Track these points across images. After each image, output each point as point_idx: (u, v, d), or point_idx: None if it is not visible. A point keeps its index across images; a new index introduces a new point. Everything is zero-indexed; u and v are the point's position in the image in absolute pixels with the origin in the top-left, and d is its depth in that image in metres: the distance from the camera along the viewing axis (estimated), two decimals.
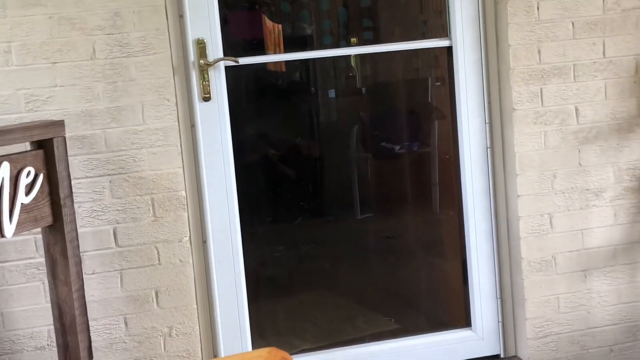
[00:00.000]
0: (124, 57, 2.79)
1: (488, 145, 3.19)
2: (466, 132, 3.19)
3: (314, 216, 3.89)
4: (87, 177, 2.80)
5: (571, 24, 3.08)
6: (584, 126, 3.13)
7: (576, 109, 3.12)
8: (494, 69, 3.14)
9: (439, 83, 3.52)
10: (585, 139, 3.14)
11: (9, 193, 2.28)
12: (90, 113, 2.79)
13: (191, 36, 2.92)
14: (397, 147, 4.12)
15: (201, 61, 2.91)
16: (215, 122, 2.97)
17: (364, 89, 4.50)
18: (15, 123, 2.65)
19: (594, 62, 3.11)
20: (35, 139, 2.40)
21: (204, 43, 2.91)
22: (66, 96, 2.77)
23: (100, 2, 2.75)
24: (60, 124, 2.46)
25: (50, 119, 2.67)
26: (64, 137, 2.47)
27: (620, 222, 3.19)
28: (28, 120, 2.69)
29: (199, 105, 2.95)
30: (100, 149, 2.81)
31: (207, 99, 2.94)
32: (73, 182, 2.62)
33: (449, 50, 3.19)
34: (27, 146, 2.43)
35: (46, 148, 2.42)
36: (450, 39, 3.16)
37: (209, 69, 2.92)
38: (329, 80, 4.43)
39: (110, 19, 2.77)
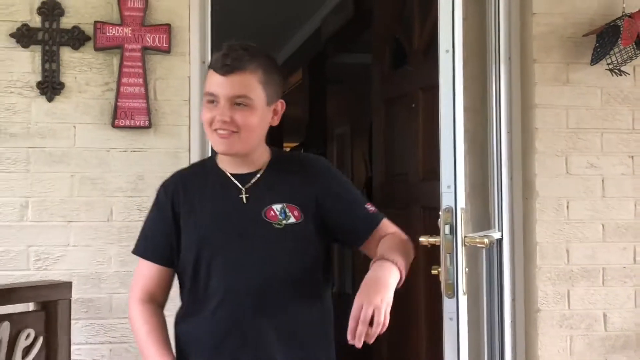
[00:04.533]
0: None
1: (511, 345, 2.99)
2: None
3: None
4: (88, 343, 2.69)
5: (601, 226, 3.02)
6: (611, 333, 3.02)
7: (604, 315, 3.02)
8: (520, 265, 3.04)
9: None
10: (612, 348, 3.02)
11: (4, 355, 2.28)
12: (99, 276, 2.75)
13: None
14: None
15: None
16: None
17: None
18: (21, 281, 2.62)
19: (624, 267, 3.03)
20: (40, 300, 2.41)
21: None
22: (78, 256, 2.73)
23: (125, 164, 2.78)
24: (67, 286, 2.46)
25: (58, 279, 2.63)
26: (70, 300, 2.45)
27: None
28: (35, 279, 2.68)
29: None
30: (105, 315, 2.73)
31: None
32: (73, 347, 2.53)
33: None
34: (29, 306, 2.44)
35: (49, 311, 2.41)
36: (501, 231, 2.94)
37: None
38: None
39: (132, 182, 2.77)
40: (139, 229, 2.65)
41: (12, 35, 2.70)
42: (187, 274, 1.85)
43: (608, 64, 2.89)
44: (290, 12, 5.47)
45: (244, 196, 1.83)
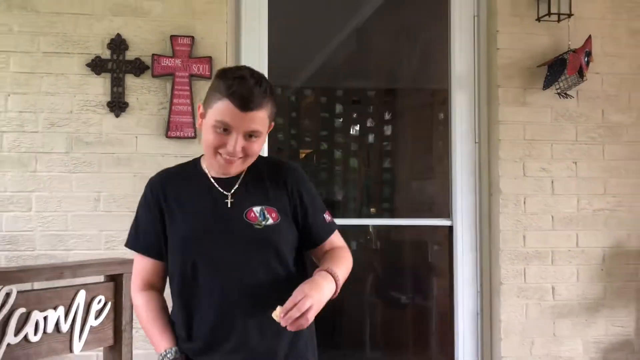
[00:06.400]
0: None
1: (478, 311, 3.28)
2: (461, 296, 3.29)
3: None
4: None
5: (551, 217, 3.26)
6: (559, 302, 3.24)
7: (553, 288, 3.24)
8: (486, 248, 3.29)
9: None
10: (559, 314, 3.24)
11: (82, 317, 2.48)
12: None
13: None
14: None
15: None
16: None
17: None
18: (95, 258, 2.83)
19: (569, 250, 3.28)
20: (109, 273, 2.59)
21: None
22: None
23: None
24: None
25: (123, 257, 2.71)
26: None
27: None
28: (105, 257, 2.87)
29: None
30: None
31: None
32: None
33: (449, 229, 3.33)
34: (100, 277, 2.61)
35: (117, 281, 2.59)
36: (451, 219, 3.30)
37: None
38: None
39: None
40: None
41: (87, 65, 2.96)
42: (175, 271, 1.79)
43: (557, 89, 3.16)
44: (305, 45, 5.72)
45: (229, 201, 1.78)
